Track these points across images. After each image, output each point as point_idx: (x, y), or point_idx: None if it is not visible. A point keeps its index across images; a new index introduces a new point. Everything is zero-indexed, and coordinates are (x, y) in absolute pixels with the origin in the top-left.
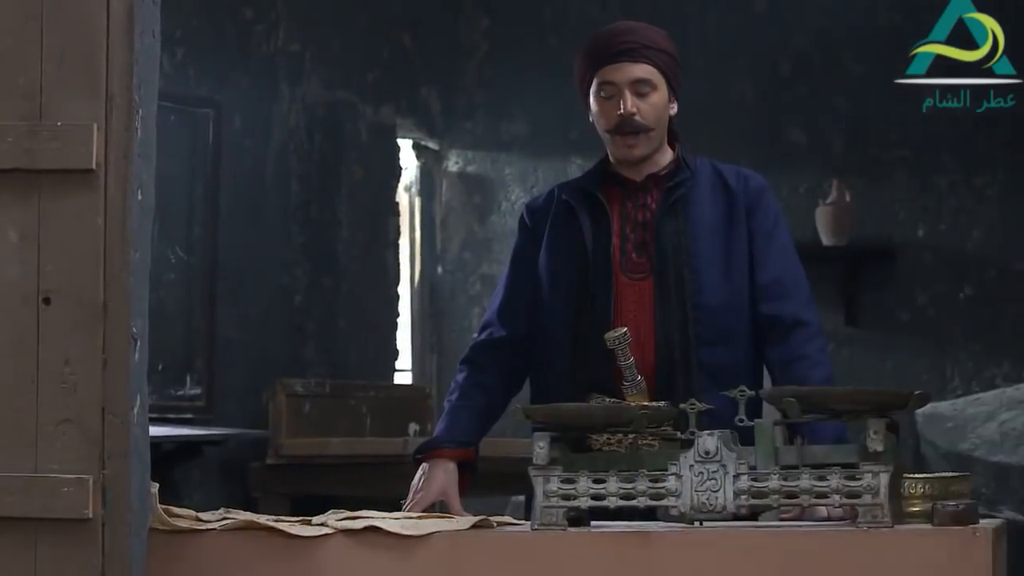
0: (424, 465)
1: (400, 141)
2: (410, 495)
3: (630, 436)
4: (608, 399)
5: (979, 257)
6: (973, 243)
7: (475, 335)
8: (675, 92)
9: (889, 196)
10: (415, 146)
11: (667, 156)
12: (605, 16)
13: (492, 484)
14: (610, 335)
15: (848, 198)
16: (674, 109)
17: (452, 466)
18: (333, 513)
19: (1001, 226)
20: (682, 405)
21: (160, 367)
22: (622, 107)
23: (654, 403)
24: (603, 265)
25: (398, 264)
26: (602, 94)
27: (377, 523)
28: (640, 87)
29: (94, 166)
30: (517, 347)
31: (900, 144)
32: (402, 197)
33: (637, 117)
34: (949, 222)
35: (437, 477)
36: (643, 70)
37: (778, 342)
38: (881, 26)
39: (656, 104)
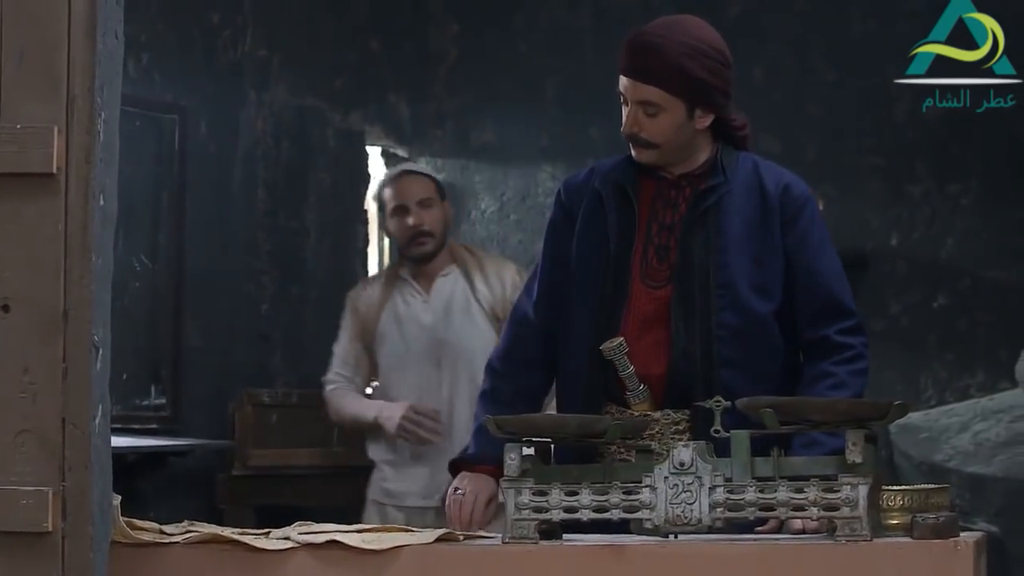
0: (464, 476)
1: (368, 148)
2: (457, 507)
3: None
4: (617, 409)
5: (953, 266)
6: (947, 252)
7: (514, 308)
8: (705, 105)
9: (862, 204)
10: (384, 153)
11: (705, 154)
12: (575, 24)
13: None
14: (606, 345)
15: (821, 206)
16: (706, 121)
17: (493, 483)
18: (297, 525)
19: (975, 235)
20: (701, 403)
21: (124, 376)
22: (627, 123)
23: (658, 412)
24: (622, 271)
25: (367, 272)
26: (620, 98)
27: (338, 537)
28: (647, 108)
29: (54, 170)
30: (552, 335)
31: (873, 152)
32: (370, 205)
33: (642, 135)
34: (923, 231)
35: (485, 491)
36: (651, 93)
37: (814, 360)
38: (855, 33)
39: (665, 124)
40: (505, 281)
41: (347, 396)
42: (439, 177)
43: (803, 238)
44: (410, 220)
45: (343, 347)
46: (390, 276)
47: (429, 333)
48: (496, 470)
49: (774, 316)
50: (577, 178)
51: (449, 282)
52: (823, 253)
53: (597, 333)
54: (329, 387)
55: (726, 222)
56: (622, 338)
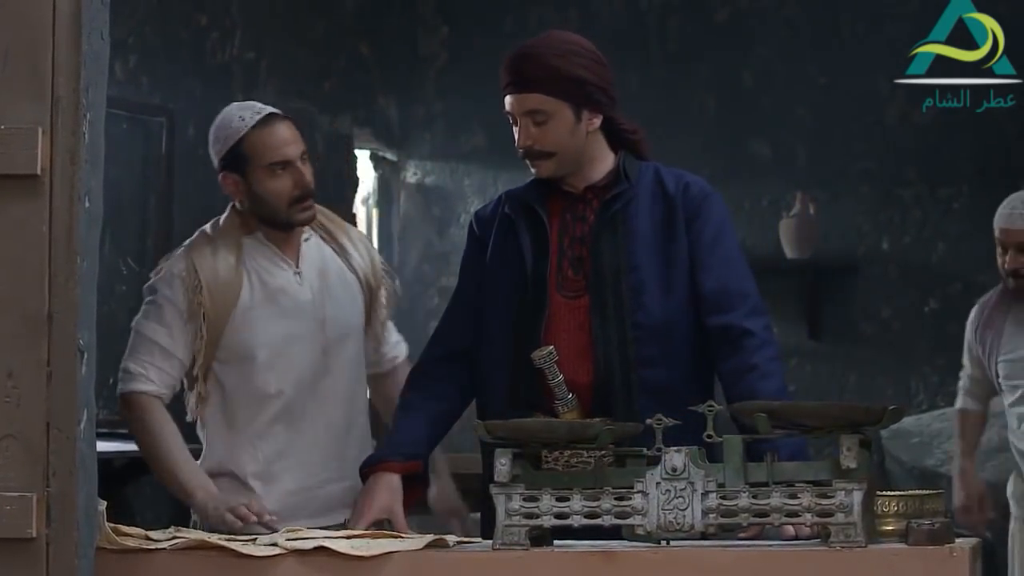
0: (370, 479)
1: (357, 151)
2: (353, 511)
3: (567, 453)
4: (546, 418)
5: (943, 270)
6: (937, 256)
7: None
8: (589, 105)
9: (853, 209)
10: (372, 157)
11: (606, 165)
12: (565, 27)
13: None
14: (536, 354)
15: (811, 211)
16: (595, 123)
17: (396, 480)
18: (285, 531)
19: (965, 239)
20: (648, 420)
21: (110, 381)
22: (519, 139)
23: (588, 420)
24: (539, 285)
25: None
26: (510, 119)
27: (326, 543)
28: (535, 116)
29: (39, 171)
30: (463, 359)
31: (864, 156)
32: (359, 208)
33: (536, 146)
34: (913, 235)
35: (381, 493)
36: (535, 100)
37: (727, 354)
38: (844, 37)
39: (555, 130)
40: (371, 248)
41: (166, 427)
42: (429, 181)
43: (700, 232)
44: (293, 178)
45: (167, 331)
46: (230, 240)
47: (310, 312)
48: (402, 464)
49: (686, 311)
50: (487, 208)
51: (313, 248)
52: (718, 243)
53: (518, 346)
54: (140, 385)
55: (634, 226)
56: (552, 347)
